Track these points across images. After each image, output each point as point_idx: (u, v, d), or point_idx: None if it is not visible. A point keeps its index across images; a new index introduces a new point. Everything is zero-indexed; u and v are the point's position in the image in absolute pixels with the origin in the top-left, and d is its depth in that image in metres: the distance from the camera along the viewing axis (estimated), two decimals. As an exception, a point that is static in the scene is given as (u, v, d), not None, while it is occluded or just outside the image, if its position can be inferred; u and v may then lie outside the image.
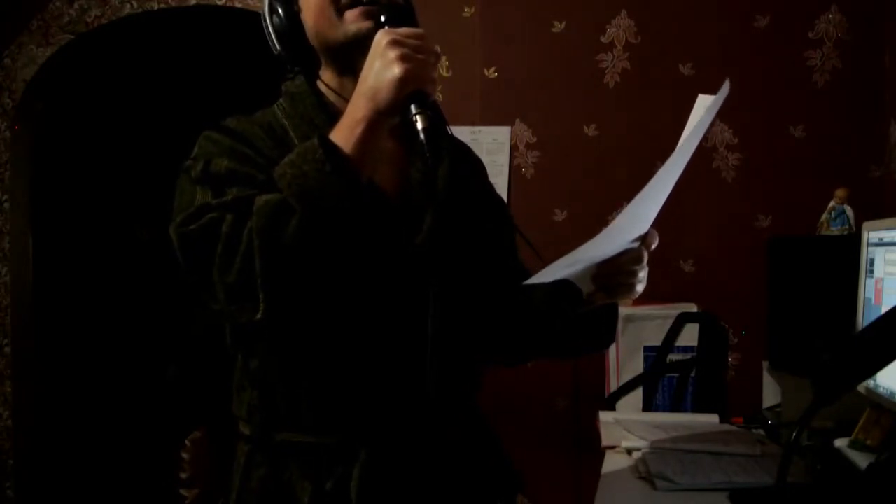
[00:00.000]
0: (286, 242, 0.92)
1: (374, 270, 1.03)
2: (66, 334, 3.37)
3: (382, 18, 1.02)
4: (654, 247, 1.12)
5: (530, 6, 2.56)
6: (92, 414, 3.50)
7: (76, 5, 2.85)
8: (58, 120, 3.30)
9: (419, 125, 0.93)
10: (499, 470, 1.22)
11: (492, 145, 2.55)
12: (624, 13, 2.52)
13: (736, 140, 2.46)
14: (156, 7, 2.84)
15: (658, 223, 2.69)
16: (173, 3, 2.80)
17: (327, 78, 1.15)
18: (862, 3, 2.40)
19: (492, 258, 1.21)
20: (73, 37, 2.86)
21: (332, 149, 0.94)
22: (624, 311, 2.22)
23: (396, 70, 0.92)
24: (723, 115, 2.46)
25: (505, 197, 2.69)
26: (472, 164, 1.29)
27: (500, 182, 2.56)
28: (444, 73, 2.61)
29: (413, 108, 0.93)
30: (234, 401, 1.15)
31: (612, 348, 2.20)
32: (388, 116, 0.96)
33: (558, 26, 2.55)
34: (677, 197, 2.68)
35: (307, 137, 1.07)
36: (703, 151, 2.46)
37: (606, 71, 2.53)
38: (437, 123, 0.94)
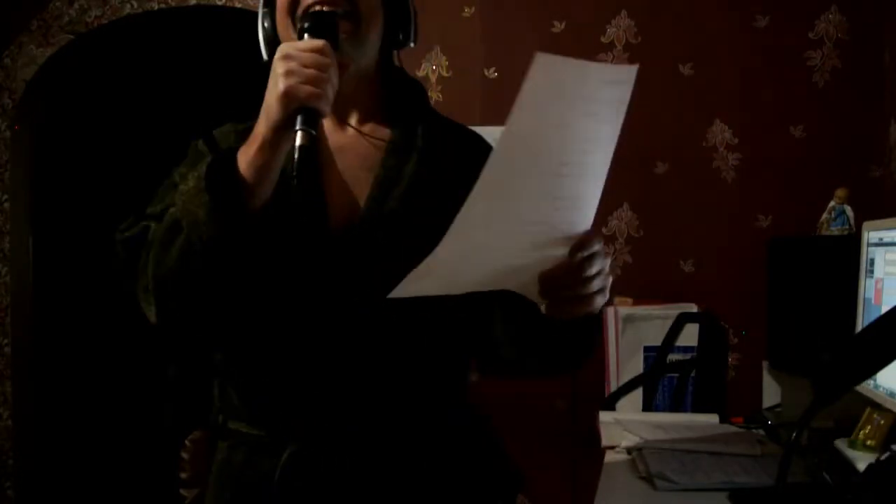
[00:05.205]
0: (169, 260, 0.97)
1: (288, 277, 1.05)
2: (66, 334, 3.37)
3: (306, 25, 1.00)
4: (586, 253, 0.92)
5: (530, 6, 2.56)
6: (92, 414, 3.50)
7: (76, 5, 2.84)
8: (58, 120, 3.30)
9: (297, 142, 0.90)
10: (499, 469, 1.22)
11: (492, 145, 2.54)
12: (624, 13, 2.52)
13: (736, 140, 2.46)
14: (156, 7, 2.84)
15: (658, 223, 2.68)
16: (173, 3, 2.80)
17: None
18: (862, 3, 2.40)
19: None
20: (73, 37, 2.86)
21: (217, 170, 0.95)
22: (624, 311, 2.22)
23: (280, 86, 0.92)
24: (723, 115, 2.46)
25: (505, 197, 2.69)
26: (473, 160, 1.21)
27: (500, 182, 2.55)
28: (445, 73, 2.60)
29: (297, 124, 0.91)
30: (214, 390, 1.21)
31: (613, 348, 2.20)
32: (285, 132, 0.93)
33: (558, 26, 2.55)
34: (677, 197, 2.67)
35: None
36: (703, 151, 2.47)
37: (606, 71, 2.53)
38: (315, 144, 0.93)
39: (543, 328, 1.02)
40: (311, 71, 0.93)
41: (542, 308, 0.99)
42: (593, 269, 0.93)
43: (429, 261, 0.85)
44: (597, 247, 0.94)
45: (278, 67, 0.93)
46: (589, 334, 1.05)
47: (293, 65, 0.92)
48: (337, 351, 1.07)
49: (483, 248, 0.90)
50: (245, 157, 0.96)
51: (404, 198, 1.09)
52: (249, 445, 1.12)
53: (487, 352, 1.16)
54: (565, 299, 0.96)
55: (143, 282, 1.02)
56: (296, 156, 0.91)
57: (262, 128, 0.95)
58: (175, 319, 1.04)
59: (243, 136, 1.08)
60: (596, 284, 0.95)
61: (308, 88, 0.92)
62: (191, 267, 0.97)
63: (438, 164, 1.13)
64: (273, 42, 1.12)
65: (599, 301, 0.97)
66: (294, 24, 1.06)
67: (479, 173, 1.15)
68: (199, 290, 0.99)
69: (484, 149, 1.21)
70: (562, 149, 0.85)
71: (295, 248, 1.05)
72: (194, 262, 0.96)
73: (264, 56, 1.15)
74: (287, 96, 0.91)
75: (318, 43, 0.96)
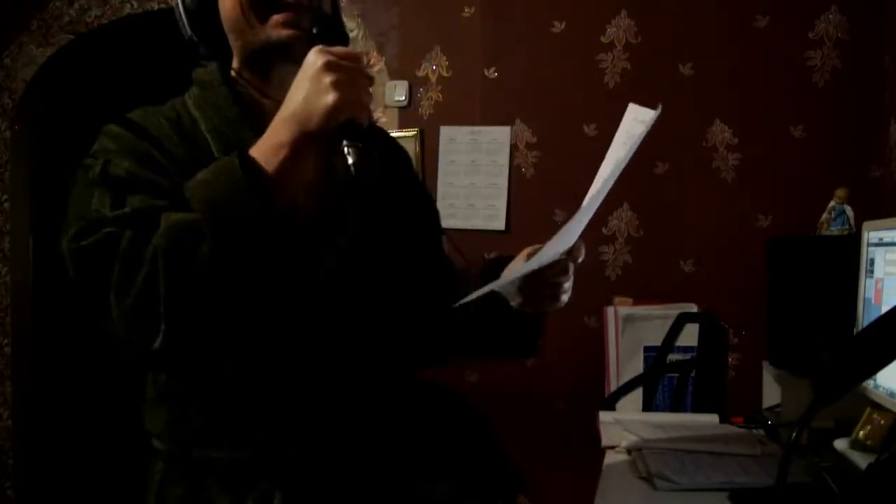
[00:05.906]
0: (195, 270, 0.85)
1: (288, 290, 0.97)
2: (66, 334, 3.37)
3: (314, 31, 0.97)
4: (580, 260, 1.08)
5: (530, 6, 2.56)
6: (92, 414, 3.50)
7: (76, 5, 2.85)
8: (58, 120, 3.30)
9: (350, 160, 0.88)
10: (499, 469, 1.22)
11: (492, 145, 2.55)
12: (624, 13, 2.52)
13: (736, 140, 2.46)
14: (156, 7, 2.84)
15: (658, 223, 2.68)
16: (173, 3, 2.81)
17: (239, 68, 1.10)
18: (862, 3, 2.40)
19: (417, 253, 1.16)
20: (73, 37, 2.87)
21: (253, 172, 0.87)
22: (624, 311, 2.22)
23: (330, 98, 0.87)
24: (723, 115, 2.46)
25: (505, 197, 2.71)
26: (399, 160, 1.25)
27: (500, 182, 2.56)
28: (445, 73, 2.60)
29: (345, 142, 0.89)
30: (146, 415, 1.08)
31: (613, 348, 2.20)
32: (316, 142, 0.90)
33: (558, 26, 2.55)
34: (677, 197, 2.67)
35: (218, 130, 1.03)
36: (703, 151, 2.47)
37: (606, 71, 2.53)
38: (368, 156, 0.90)
39: (513, 320, 1.16)
40: (359, 82, 0.90)
41: (514, 304, 1.14)
42: (573, 271, 1.09)
43: (523, 267, 1.00)
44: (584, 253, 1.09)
45: (326, 77, 0.87)
46: (540, 329, 1.21)
47: (343, 76, 0.88)
48: (331, 351, 1.04)
49: (544, 258, 1.04)
50: (274, 162, 0.89)
51: (370, 197, 1.09)
52: (218, 473, 1.01)
53: (458, 341, 1.24)
54: (543, 296, 1.11)
55: (127, 302, 0.88)
56: (353, 172, 0.88)
57: (290, 134, 0.89)
58: (189, 338, 0.91)
59: (177, 125, 1.04)
60: (568, 285, 1.11)
61: (359, 99, 0.90)
62: (222, 274, 0.87)
63: (390, 165, 1.19)
64: (201, 18, 1.09)
65: (565, 299, 1.13)
66: (258, 16, 1.02)
67: (407, 174, 1.25)
68: (226, 299, 0.88)
69: (403, 151, 1.30)
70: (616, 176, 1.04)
71: (303, 255, 1.01)
72: (227, 267, 0.87)
73: (188, 32, 1.11)
74: (337, 109, 0.87)
75: (358, 52, 0.94)
